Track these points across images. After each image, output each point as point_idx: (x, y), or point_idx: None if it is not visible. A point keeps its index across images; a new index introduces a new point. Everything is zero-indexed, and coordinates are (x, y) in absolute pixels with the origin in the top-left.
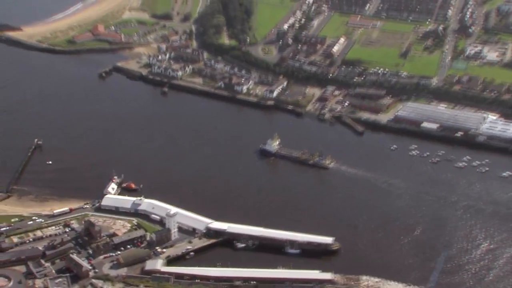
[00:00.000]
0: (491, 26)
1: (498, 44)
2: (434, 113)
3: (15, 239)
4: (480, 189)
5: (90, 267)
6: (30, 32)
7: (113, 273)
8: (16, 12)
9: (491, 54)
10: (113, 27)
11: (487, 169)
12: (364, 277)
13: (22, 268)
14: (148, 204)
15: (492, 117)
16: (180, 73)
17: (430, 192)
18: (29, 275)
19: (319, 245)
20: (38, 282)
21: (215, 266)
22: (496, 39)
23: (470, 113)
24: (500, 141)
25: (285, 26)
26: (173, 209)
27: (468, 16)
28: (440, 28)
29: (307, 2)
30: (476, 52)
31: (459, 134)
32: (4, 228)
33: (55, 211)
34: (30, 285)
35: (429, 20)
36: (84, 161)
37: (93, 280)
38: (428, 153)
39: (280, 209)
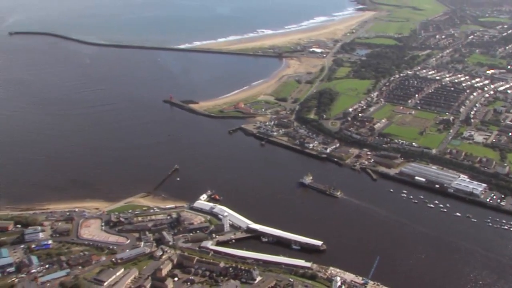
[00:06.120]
0: (486, 120)
1: (487, 131)
2: (425, 171)
3: (139, 219)
4: (437, 222)
5: (171, 240)
6: (202, 105)
7: (182, 245)
8: (199, 92)
9: (479, 137)
10: (249, 104)
11: (445, 210)
12: (331, 268)
13: (136, 234)
14: (218, 208)
15: (462, 177)
16: (275, 133)
17: (402, 221)
18: (138, 239)
19: (313, 245)
20: (141, 243)
21: (242, 249)
22: (486, 128)
23: (449, 173)
24: (463, 193)
25: (350, 109)
26: (229, 212)
27: (472, 113)
28: (451, 118)
29: (371, 95)
30: (470, 135)
31: (437, 186)
32: (137, 212)
33: (166, 206)
34: (137, 243)
35: (447, 112)
36: (198, 181)
37: (162, 246)
38: (411, 196)
39: (297, 220)
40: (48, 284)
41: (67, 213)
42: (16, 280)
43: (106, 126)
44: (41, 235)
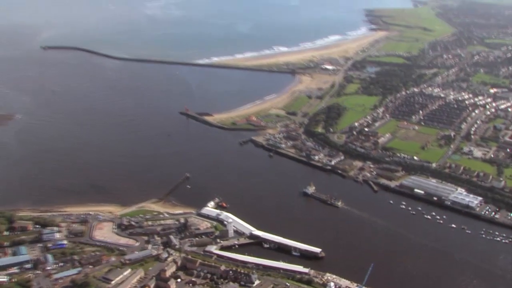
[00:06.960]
0: (486, 136)
1: (486, 147)
2: (424, 184)
3: (149, 223)
4: (432, 233)
5: (177, 244)
6: (216, 117)
7: (187, 249)
8: (214, 105)
9: (478, 152)
10: (260, 117)
11: (441, 221)
12: (328, 274)
13: (145, 237)
14: (224, 215)
15: (460, 190)
16: (283, 145)
17: (399, 231)
18: (147, 241)
19: (312, 252)
20: (149, 246)
21: (244, 254)
22: (485, 144)
23: (447, 186)
24: (459, 206)
25: (356, 124)
26: (233, 219)
27: (473, 129)
28: (453, 134)
29: (377, 111)
30: (469, 150)
31: (435, 198)
32: (148, 216)
33: (175, 212)
34: (145, 246)
35: (449, 128)
36: (207, 189)
37: (168, 248)
38: (410, 208)
39: (298, 227)
40: (61, 281)
41: (83, 216)
42: (32, 276)
43: (125, 136)
44: (57, 235)
